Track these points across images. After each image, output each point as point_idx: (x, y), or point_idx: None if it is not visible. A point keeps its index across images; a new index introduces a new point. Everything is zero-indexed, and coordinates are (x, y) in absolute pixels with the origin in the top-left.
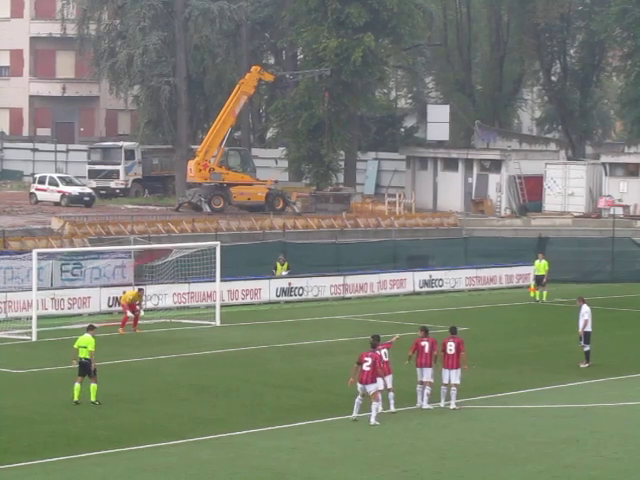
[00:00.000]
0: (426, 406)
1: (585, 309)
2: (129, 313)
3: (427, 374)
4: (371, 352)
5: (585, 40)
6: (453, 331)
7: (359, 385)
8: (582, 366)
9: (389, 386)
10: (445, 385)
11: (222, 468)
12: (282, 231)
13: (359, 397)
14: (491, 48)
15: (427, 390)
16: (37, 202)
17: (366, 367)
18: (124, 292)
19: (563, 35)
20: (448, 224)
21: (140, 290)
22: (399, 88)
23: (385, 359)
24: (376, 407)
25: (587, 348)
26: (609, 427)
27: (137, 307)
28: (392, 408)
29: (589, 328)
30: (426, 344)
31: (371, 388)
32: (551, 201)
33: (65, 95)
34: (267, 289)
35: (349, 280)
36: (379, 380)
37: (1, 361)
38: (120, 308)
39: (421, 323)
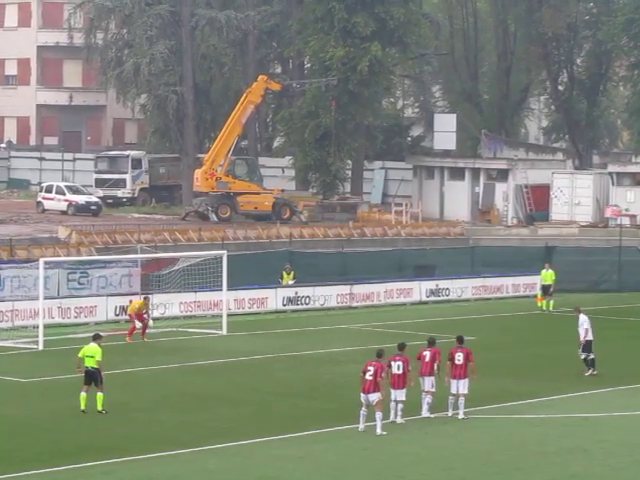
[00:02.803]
0: (425, 414)
1: (583, 318)
2: (137, 323)
3: (427, 383)
4: (375, 361)
5: (592, 49)
6: (460, 340)
7: (362, 395)
8: (587, 374)
9: (398, 398)
10: (453, 395)
11: (229, 477)
12: (289, 240)
13: (363, 409)
14: (498, 57)
15: (427, 399)
16: (44, 211)
17: (369, 376)
18: (130, 301)
19: (570, 44)
20: (455, 233)
21: (146, 298)
22: (406, 97)
23: (398, 372)
24: (380, 417)
25: (592, 356)
26: (615, 436)
27: (145, 316)
28: (399, 419)
29: (590, 337)
30: (427, 353)
31: (373, 397)
32: (558, 210)
33: (72, 104)
34: (274, 298)
35: (356, 289)
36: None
37: (8, 370)
38: (127, 317)
39: (428, 332)
